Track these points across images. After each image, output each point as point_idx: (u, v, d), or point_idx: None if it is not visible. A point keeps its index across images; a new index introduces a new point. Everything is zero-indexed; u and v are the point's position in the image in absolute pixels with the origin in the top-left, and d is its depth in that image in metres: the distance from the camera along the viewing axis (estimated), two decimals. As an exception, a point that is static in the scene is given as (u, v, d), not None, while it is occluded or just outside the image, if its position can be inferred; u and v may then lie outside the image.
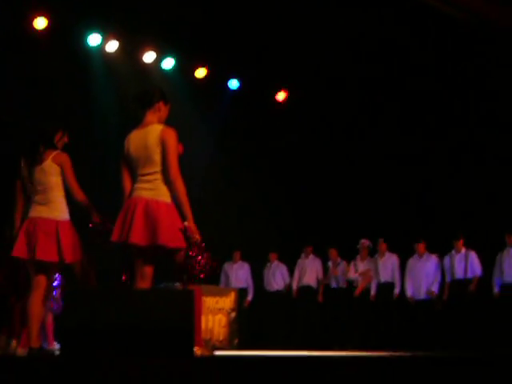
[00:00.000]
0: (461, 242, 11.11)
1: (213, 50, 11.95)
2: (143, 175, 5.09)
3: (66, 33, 10.91)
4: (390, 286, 11.75)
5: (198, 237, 5.04)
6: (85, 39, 11.13)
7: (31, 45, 10.48)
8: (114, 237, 5.08)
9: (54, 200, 5.63)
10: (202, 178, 12.23)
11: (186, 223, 5.03)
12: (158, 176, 5.06)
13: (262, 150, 13.23)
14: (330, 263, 12.37)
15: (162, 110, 5.27)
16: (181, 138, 11.30)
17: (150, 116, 5.21)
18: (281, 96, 13.70)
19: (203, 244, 5.11)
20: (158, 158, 5.04)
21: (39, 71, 10.38)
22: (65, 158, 5.70)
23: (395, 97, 12.78)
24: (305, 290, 12.47)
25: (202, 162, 12.15)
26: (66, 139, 5.90)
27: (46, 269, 5.61)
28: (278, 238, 12.97)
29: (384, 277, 11.77)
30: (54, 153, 5.70)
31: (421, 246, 11.47)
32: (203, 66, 12.44)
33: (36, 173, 5.66)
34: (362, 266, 12.00)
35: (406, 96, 12.66)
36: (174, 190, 5.02)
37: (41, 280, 5.55)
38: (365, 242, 12.05)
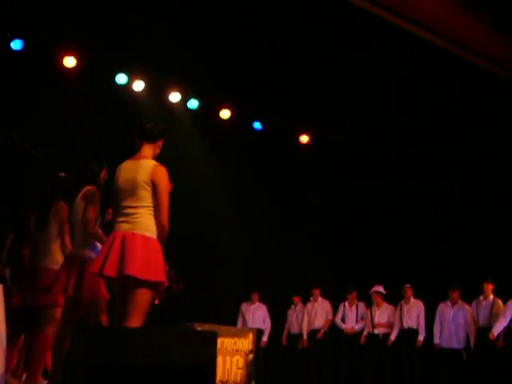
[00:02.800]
0: (490, 287, 10.92)
1: (237, 93, 12.13)
2: (124, 208, 5.04)
3: (95, 71, 11.12)
4: (413, 332, 11.57)
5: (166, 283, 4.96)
6: (113, 78, 11.37)
7: (60, 82, 10.74)
8: (94, 268, 5.02)
9: (81, 238, 5.65)
10: (222, 219, 12.32)
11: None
12: (140, 210, 4.98)
13: (281, 191, 13.27)
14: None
15: (160, 146, 5.23)
16: (201, 177, 11.01)
17: (147, 150, 5.14)
18: (304, 139, 13.79)
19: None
20: (143, 193, 4.98)
21: (67, 108, 10.60)
22: (91, 193, 5.70)
23: (420, 138, 12.78)
24: (315, 333, 12.41)
25: (221, 201, 12.26)
26: (107, 176, 5.93)
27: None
28: (298, 280, 12.87)
29: (408, 323, 11.62)
30: (86, 188, 5.73)
31: (455, 294, 11.30)
32: (227, 108, 12.60)
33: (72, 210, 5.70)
34: (378, 312, 11.91)
35: (430, 136, 12.63)
36: (163, 232, 4.95)
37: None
38: (377, 288, 12.02)
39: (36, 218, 6.38)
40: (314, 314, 12.48)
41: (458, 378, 10.95)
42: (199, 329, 10.09)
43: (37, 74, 10.34)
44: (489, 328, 10.67)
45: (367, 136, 13.10)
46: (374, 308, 11.99)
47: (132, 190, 5.00)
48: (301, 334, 12.65)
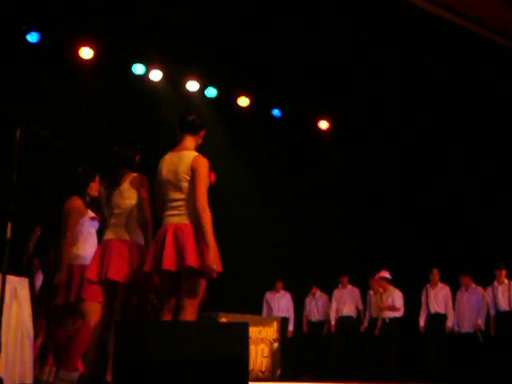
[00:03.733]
0: (503, 272, 10.92)
1: (255, 80, 12.04)
2: (171, 201, 5.08)
3: (112, 62, 11.08)
4: (441, 317, 11.54)
5: (217, 268, 4.93)
6: (129, 68, 11.32)
7: (77, 74, 10.69)
8: (147, 267, 5.04)
9: (128, 224, 5.51)
10: (243, 206, 12.29)
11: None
12: (185, 203, 5.03)
13: (302, 179, 13.23)
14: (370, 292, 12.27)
15: (202, 138, 5.30)
16: (221, 166, 11.33)
17: (189, 141, 5.21)
18: (323, 125, 13.72)
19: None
20: (186, 185, 5.03)
21: (84, 100, 10.55)
22: (142, 181, 5.57)
23: (439, 125, 12.68)
24: (345, 320, 12.38)
25: (243, 190, 12.23)
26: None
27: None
28: (319, 268, 12.85)
29: (435, 308, 11.58)
30: (133, 175, 5.60)
31: (466, 279, 11.31)
32: (245, 95, 12.55)
33: (114, 196, 5.59)
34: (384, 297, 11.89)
35: (449, 124, 12.55)
36: (200, 220, 4.94)
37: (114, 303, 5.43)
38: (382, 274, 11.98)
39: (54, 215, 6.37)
40: (342, 302, 12.43)
41: (476, 362, 10.96)
42: (224, 318, 10.09)
43: (54, 67, 10.31)
44: (510, 312, 10.72)
45: (386, 122, 12.98)
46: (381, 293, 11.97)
47: (175, 182, 5.05)
48: (321, 322, 12.64)
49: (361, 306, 12.47)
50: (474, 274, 11.33)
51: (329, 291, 12.75)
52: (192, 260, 4.85)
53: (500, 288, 10.90)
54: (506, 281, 10.90)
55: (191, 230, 4.96)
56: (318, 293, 12.82)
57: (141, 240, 5.48)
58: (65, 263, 6.09)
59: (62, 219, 6.18)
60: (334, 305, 12.48)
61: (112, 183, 5.61)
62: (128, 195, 5.52)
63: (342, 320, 12.39)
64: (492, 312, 11.01)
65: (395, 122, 12.92)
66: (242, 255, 12.02)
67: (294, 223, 13.09)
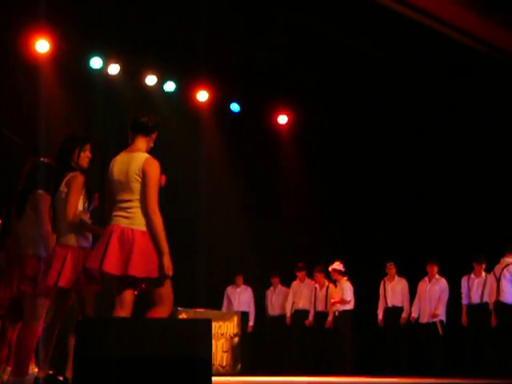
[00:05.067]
0: (483, 266, 10.92)
1: (214, 74, 11.95)
2: (120, 201, 5.04)
3: (68, 56, 10.89)
4: (398, 310, 11.68)
5: (170, 273, 4.90)
6: (87, 62, 11.12)
7: (33, 68, 10.45)
8: (90, 262, 4.99)
9: (65, 227, 5.45)
10: (203, 201, 12.10)
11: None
12: (135, 204, 4.99)
13: (262, 173, 13.27)
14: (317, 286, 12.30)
15: (153, 139, 5.21)
16: (181, 161, 10.86)
17: (141, 142, 5.14)
18: (282, 119, 13.73)
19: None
20: (136, 186, 4.99)
21: (40, 94, 10.23)
22: (73, 179, 5.47)
23: (404, 115, 12.78)
24: (300, 314, 12.36)
25: (201, 185, 12.07)
26: (89, 154, 5.69)
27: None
28: (279, 262, 12.91)
29: (392, 301, 11.68)
30: (70, 175, 5.51)
31: (433, 267, 11.32)
32: (204, 89, 12.45)
33: (55, 200, 5.51)
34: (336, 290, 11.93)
35: (413, 109, 12.62)
36: (151, 223, 4.91)
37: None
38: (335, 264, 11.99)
39: (14, 207, 6.12)
40: (298, 295, 12.43)
41: (436, 353, 11.10)
42: (184, 314, 10.06)
43: (9, 60, 10.13)
44: (481, 305, 10.78)
45: (346, 114, 13.07)
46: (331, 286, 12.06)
47: (125, 183, 5.01)
48: (281, 316, 12.56)
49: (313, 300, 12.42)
50: (444, 263, 11.34)
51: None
52: (134, 269, 4.83)
53: (476, 281, 10.92)
54: (483, 274, 10.93)
55: (138, 235, 4.92)
56: (279, 287, 12.79)
57: (84, 242, 5.48)
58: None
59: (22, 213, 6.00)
60: (290, 298, 12.45)
61: (55, 187, 5.55)
62: (63, 197, 5.46)
63: (298, 313, 12.36)
64: (465, 302, 11.03)
65: (358, 113, 13.06)
66: (199, 250, 11.95)
67: (255, 217, 13.06)
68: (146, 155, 5.07)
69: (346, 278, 11.98)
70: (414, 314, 11.44)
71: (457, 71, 11.32)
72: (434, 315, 11.14)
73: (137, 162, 5.02)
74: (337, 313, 11.89)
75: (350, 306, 11.87)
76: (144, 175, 4.96)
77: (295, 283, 12.54)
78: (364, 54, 11.42)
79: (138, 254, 4.84)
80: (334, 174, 13.46)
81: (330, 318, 11.92)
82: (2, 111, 9.01)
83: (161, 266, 4.83)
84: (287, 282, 12.72)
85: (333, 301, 11.90)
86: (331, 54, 11.42)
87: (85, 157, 5.66)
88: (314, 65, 11.88)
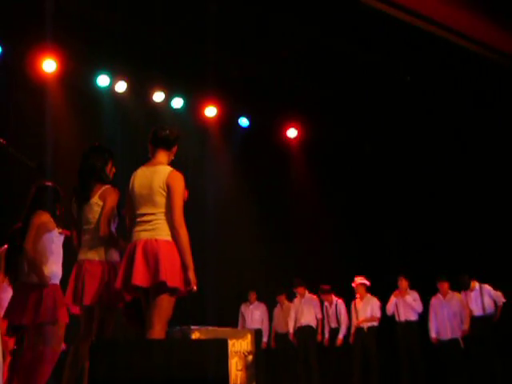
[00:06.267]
0: (473, 279, 10.89)
1: (222, 88, 11.80)
2: (142, 215, 4.97)
3: (75, 74, 10.84)
4: (412, 324, 11.37)
5: (195, 288, 4.87)
6: (94, 80, 11.06)
7: (41, 87, 10.42)
8: (118, 283, 4.92)
9: (99, 241, 5.29)
10: (212, 218, 11.98)
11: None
12: (159, 217, 4.93)
13: (272, 188, 13.08)
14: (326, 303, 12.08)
15: (174, 152, 5.22)
16: (190, 178, 11.17)
17: (162, 156, 5.12)
18: (292, 133, 13.59)
19: None
20: (160, 199, 4.94)
21: (47, 113, 10.18)
22: (109, 192, 5.36)
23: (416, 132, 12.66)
24: (303, 330, 12.11)
25: (210, 202, 11.92)
26: (113, 169, 5.60)
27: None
28: (289, 279, 12.57)
29: (406, 315, 11.37)
30: (103, 188, 5.40)
31: (444, 284, 11.17)
32: (213, 105, 12.33)
33: (85, 211, 5.38)
34: (360, 305, 11.67)
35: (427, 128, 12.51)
36: (177, 236, 4.86)
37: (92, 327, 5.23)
38: (359, 279, 11.74)
39: (19, 230, 6.04)
40: (300, 311, 12.12)
41: (458, 368, 10.92)
42: (197, 333, 9.89)
43: (16, 80, 10.14)
44: (483, 317, 10.75)
45: (356, 126, 12.96)
46: (358, 301, 11.75)
47: (148, 197, 4.96)
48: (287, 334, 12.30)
49: (319, 316, 12.17)
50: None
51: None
52: (164, 275, 4.74)
53: (472, 294, 10.86)
54: (476, 286, 10.85)
55: (163, 245, 4.84)
56: (286, 303, 12.55)
57: (115, 257, 5.31)
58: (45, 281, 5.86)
59: (26, 234, 5.88)
60: (292, 315, 12.18)
61: (82, 197, 5.40)
62: (98, 209, 5.32)
63: (301, 330, 12.10)
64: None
65: (367, 125, 12.89)
66: (218, 266, 11.74)
67: (269, 233, 12.82)
68: (169, 168, 5.03)
69: (370, 294, 11.78)
70: (434, 335, 11.18)
71: (467, 81, 11.15)
72: (464, 331, 10.92)
73: (160, 175, 4.97)
74: (365, 329, 11.58)
75: (376, 322, 11.64)
76: (169, 188, 4.91)
77: (296, 300, 12.28)
78: (372, 65, 11.31)
79: (164, 261, 4.76)
80: (345, 187, 13.29)
81: (352, 333, 11.66)
82: (8, 131, 8.91)
83: (186, 280, 4.77)
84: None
85: (361, 318, 11.60)
86: (340, 66, 11.33)
87: (113, 170, 5.58)
88: (323, 77, 11.75)
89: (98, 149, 5.56)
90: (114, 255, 5.32)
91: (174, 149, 5.19)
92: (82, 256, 5.31)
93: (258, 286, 12.50)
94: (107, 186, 5.41)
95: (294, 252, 13.05)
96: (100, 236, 5.25)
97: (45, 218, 6.01)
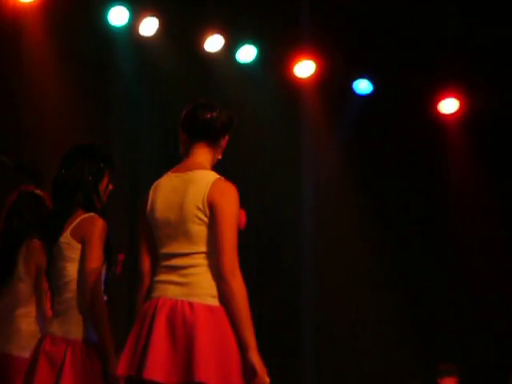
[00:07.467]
0: None
1: (325, 32, 8.64)
2: (168, 257, 3.32)
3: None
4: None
5: (267, 380, 3.22)
6: (105, 16, 8.03)
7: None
8: (121, 368, 3.31)
9: (78, 307, 4.02)
10: (308, 229, 9.27)
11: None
12: (196, 261, 3.29)
13: (406, 189, 9.75)
14: None
15: (223, 146, 3.55)
16: (271, 173, 9.30)
17: (203, 154, 3.42)
18: (449, 106, 9.70)
19: None
20: (199, 229, 3.29)
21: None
22: (89, 227, 3.98)
23: None
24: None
25: (305, 204, 9.35)
26: (110, 186, 4.15)
27: None
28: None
29: None
30: (81, 217, 3.97)
31: None
32: (308, 58, 8.92)
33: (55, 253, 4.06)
34: None
35: None
36: (227, 293, 3.23)
37: None
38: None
39: None
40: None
41: None
42: None
43: None
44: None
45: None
46: None
47: (179, 225, 3.35)
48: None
49: None
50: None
51: None
52: (204, 373, 3.12)
53: None
54: None
55: (202, 314, 3.22)
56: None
57: (93, 336, 4.01)
58: None
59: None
60: None
61: (49, 233, 4.00)
62: (70, 253, 3.87)
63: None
64: None
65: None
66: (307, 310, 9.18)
67: (389, 257, 9.60)
68: (213, 176, 3.44)
69: None
70: None
71: None
72: None
73: (199, 188, 3.42)
74: None
75: None
76: (213, 210, 3.35)
77: None
78: None
79: (204, 347, 3.19)
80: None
81: None
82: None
83: (250, 369, 3.19)
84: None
85: None
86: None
87: (109, 187, 4.15)
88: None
89: (87, 151, 4.09)
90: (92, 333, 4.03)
91: (224, 141, 3.53)
92: (52, 328, 3.98)
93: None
94: (89, 215, 3.94)
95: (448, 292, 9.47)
96: (77, 305, 3.92)
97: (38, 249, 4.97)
